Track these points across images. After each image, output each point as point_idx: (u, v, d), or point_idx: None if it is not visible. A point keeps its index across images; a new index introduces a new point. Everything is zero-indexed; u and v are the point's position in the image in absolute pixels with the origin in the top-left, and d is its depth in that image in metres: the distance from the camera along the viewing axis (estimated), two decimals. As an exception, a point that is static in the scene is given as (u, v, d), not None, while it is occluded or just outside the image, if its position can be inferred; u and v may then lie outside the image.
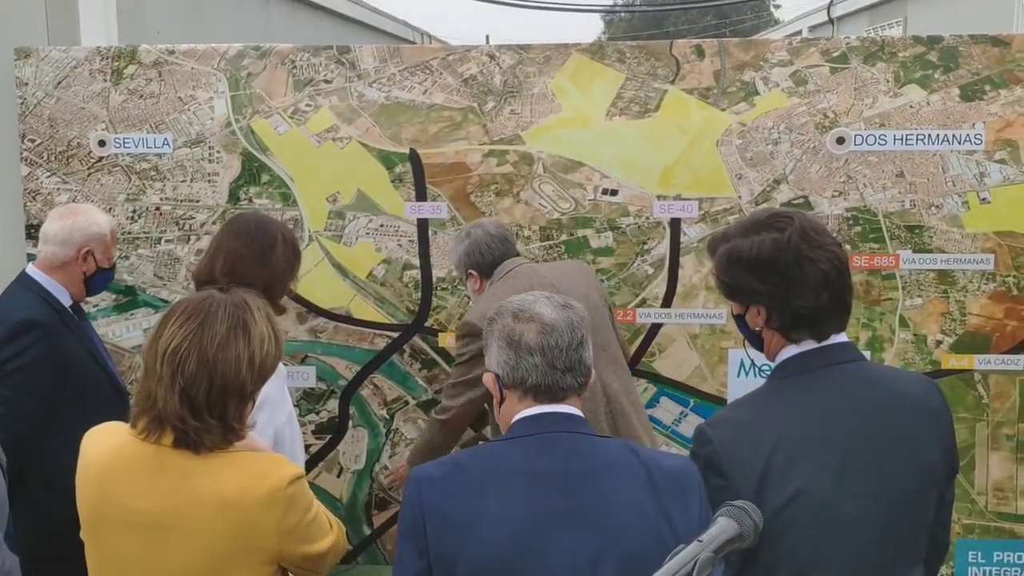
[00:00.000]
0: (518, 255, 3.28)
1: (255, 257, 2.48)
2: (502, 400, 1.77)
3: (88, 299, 3.16)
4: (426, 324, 3.79)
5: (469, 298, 3.74)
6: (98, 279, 2.92)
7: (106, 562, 1.78)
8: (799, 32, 12.76)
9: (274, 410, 2.32)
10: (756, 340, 1.90)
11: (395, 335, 3.79)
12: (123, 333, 3.78)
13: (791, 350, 1.84)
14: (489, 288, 3.18)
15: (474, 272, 3.23)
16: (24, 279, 2.85)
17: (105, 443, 1.81)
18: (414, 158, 3.70)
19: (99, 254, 2.90)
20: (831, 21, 11.37)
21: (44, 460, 2.70)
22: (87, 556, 1.82)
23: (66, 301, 2.86)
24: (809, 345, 1.83)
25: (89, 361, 2.86)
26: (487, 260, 3.20)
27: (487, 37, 22.79)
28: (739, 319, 1.91)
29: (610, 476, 1.67)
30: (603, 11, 39.26)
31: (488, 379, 1.79)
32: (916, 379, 1.99)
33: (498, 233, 3.24)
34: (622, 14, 40.87)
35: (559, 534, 1.61)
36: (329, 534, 1.84)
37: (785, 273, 1.79)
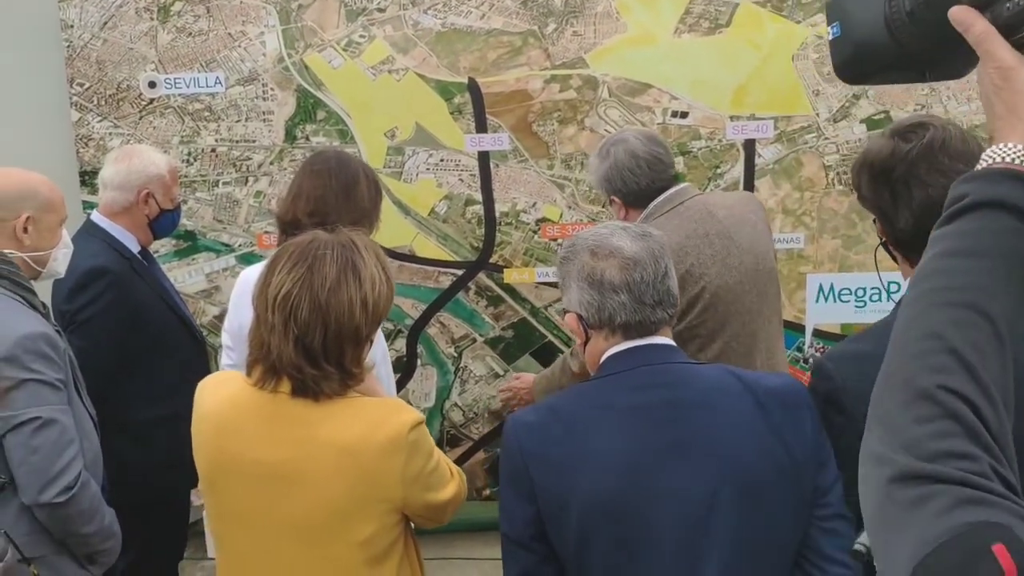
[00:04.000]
0: (674, 178, 2.64)
1: (338, 195, 2.37)
2: (587, 340, 1.68)
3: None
4: (491, 260, 3.70)
5: (535, 232, 3.64)
6: (163, 221, 2.83)
7: (226, 515, 1.72)
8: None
9: (370, 348, 2.24)
10: (887, 250, 1.78)
11: (460, 272, 3.71)
12: (185, 279, 3.72)
13: None
14: (649, 223, 2.49)
15: (616, 200, 2.64)
16: (89, 226, 2.78)
17: (219, 393, 1.74)
18: (473, 88, 3.56)
19: (160, 195, 2.81)
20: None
21: (122, 410, 2.65)
22: (206, 509, 1.77)
23: (134, 247, 2.78)
24: None
25: (162, 307, 2.79)
26: (631, 189, 2.57)
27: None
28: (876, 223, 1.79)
29: (716, 402, 1.58)
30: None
31: (571, 320, 1.69)
32: None
33: (647, 154, 2.56)
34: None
35: (672, 466, 1.53)
36: (451, 482, 1.77)
37: (893, 188, 1.65)
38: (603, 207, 3.53)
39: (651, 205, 2.58)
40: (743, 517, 1.51)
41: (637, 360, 1.62)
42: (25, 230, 2.12)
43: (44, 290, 2.51)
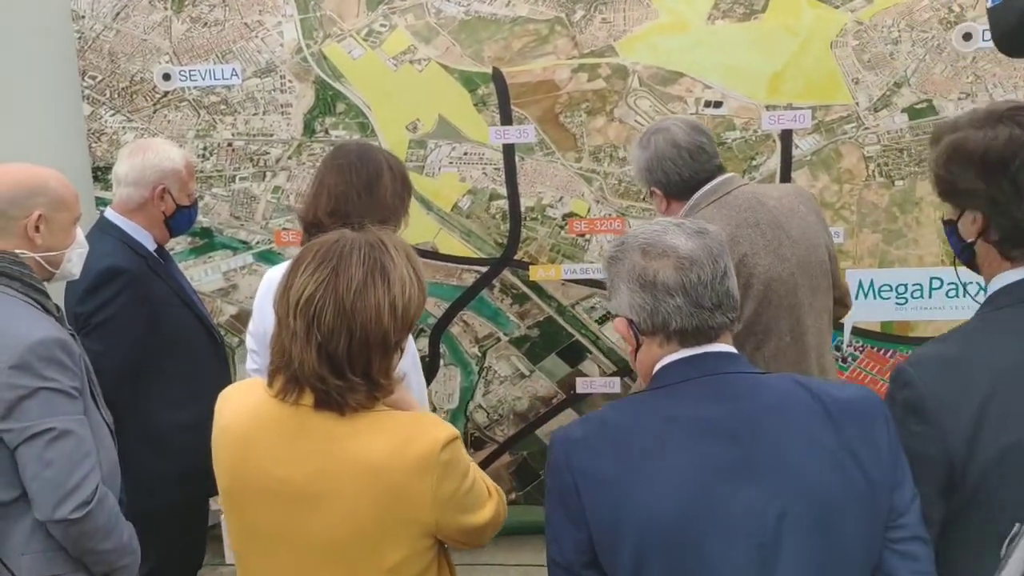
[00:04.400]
0: (718, 168, 2.51)
1: (360, 192, 2.25)
2: (638, 347, 1.55)
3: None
4: (515, 257, 3.58)
5: (562, 228, 3.52)
6: (179, 218, 2.72)
7: (248, 533, 1.61)
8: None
9: (401, 357, 2.11)
10: (967, 253, 1.65)
11: (484, 269, 3.59)
12: (201, 277, 3.61)
13: (1010, 275, 1.58)
14: (695, 214, 2.42)
15: (657, 191, 2.53)
16: (103, 224, 2.67)
17: (241, 403, 1.63)
18: (498, 78, 3.44)
19: (176, 191, 2.69)
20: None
21: (140, 414, 2.55)
22: (227, 526, 1.66)
23: (150, 245, 2.67)
24: None
25: (179, 307, 2.68)
26: (673, 180, 2.46)
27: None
28: (950, 226, 1.65)
29: (783, 416, 1.45)
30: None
31: (620, 325, 1.56)
32: None
33: (690, 143, 2.45)
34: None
35: (736, 488, 1.40)
36: (489, 502, 1.65)
37: (1016, 177, 1.52)
38: (641, 199, 3.41)
39: (695, 196, 2.46)
40: (813, 541, 1.39)
41: (696, 370, 1.49)
42: (37, 229, 2.01)
43: (57, 291, 2.41)
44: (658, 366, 1.52)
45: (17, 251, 1.99)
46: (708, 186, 2.45)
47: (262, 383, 1.62)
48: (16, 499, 1.88)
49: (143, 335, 2.55)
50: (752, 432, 1.43)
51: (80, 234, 2.13)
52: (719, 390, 1.47)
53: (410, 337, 2.26)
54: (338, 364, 1.50)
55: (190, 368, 2.65)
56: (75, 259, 2.11)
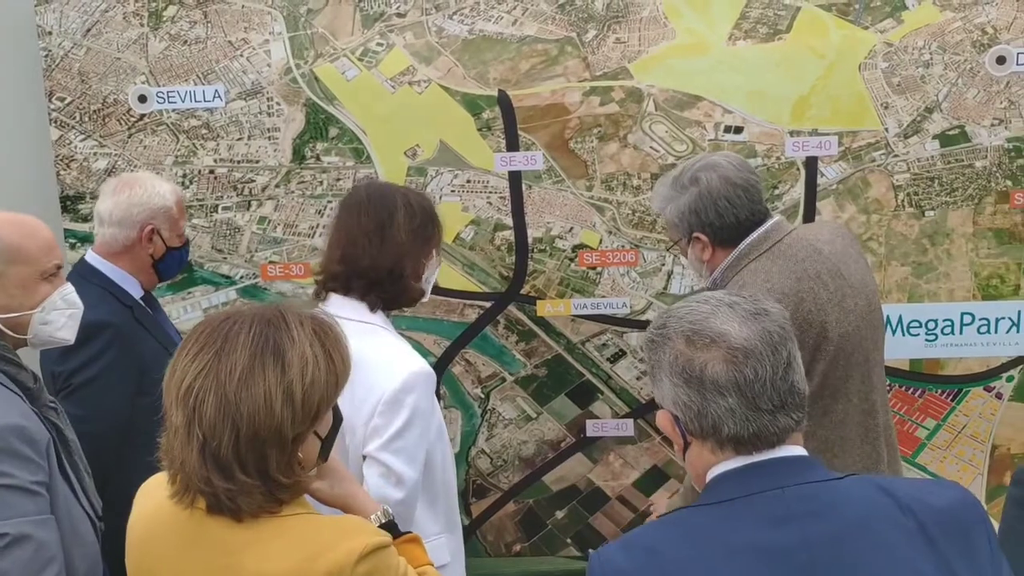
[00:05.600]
0: (767, 210, 2.28)
1: (370, 233, 2.00)
2: (686, 446, 1.33)
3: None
4: (522, 291, 3.35)
5: (571, 260, 3.30)
6: (169, 261, 2.46)
7: None
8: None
9: (425, 425, 1.87)
10: None
11: (488, 305, 3.36)
12: (180, 315, 3.34)
13: None
14: (744, 265, 2.19)
15: (703, 236, 2.24)
16: (84, 269, 2.38)
17: (150, 499, 1.46)
18: (503, 101, 3.21)
19: (166, 231, 2.44)
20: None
21: (125, 485, 2.22)
22: None
23: (136, 292, 2.40)
24: None
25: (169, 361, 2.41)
26: (727, 223, 2.19)
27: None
28: None
29: (868, 536, 1.22)
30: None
31: (663, 421, 1.34)
32: None
33: (744, 181, 2.20)
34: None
35: None
36: None
37: None
38: (657, 230, 3.19)
39: (743, 244, 2.22)
40: None
41: (759, 482, 1.26)
42: None
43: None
44: (711, 475, 1.30)
45: None
46: (757, 233, 2.21)
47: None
48: None
49: (129, 395, 2.28)
50: (832, 558, 1.20)
51: (69, 293, 1.84)
52: (788, 508, 1.24)
53: (435, 402, 2.02)
54: (224, 464, 1.31)
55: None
56: (60, 321, 1.83)
